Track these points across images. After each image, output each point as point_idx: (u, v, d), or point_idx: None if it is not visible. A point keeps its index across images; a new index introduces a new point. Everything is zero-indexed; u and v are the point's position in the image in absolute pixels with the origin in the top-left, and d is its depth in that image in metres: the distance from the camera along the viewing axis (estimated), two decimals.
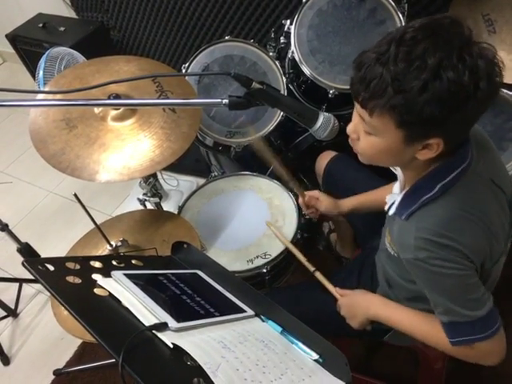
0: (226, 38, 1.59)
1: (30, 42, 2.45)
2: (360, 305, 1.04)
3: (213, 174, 1.80)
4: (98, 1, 2.51)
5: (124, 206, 2.24)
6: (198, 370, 0.60)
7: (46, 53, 1.66)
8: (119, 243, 1.13)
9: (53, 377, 1.63)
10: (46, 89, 1.39)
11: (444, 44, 0.64)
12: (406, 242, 0.80)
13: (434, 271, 0.78)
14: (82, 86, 0.93)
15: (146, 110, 1.26)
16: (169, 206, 2.06)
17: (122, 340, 0.60)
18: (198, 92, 1.53)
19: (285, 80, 1.57)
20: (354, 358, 1.50)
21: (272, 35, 1.72)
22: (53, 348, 1.73)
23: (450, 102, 0.66)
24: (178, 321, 0.69)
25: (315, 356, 0.74)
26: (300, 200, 1.35)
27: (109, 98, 1.18)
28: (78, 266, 0.80)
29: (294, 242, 1.35)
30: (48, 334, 1.78)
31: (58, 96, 1.10)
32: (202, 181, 2.18)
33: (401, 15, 1.48)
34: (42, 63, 1.63)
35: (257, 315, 0.84)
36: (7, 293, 1.85)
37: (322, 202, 1.30)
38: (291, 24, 1.52)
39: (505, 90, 1.35)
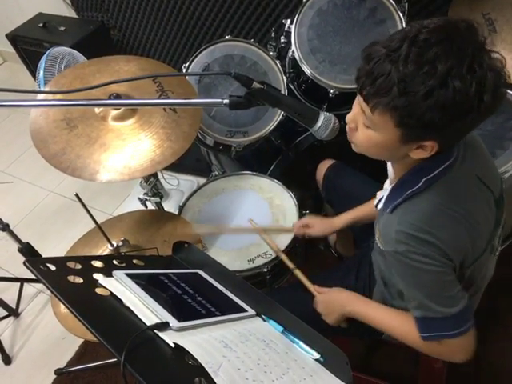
0: (227, 37, 1.59)
1: (31, 42, 2.45)
2: (336, 302, 1.07)
3: (213, 174, 1.80)
4: (99, 0, 2.51)
5: (125, 205, 2.25)
6: (200, 370, 0.60)
7: (47, 52, 1.66)
8: (120, 243, 1.13)
9: (54, 376, 1.63)
10: (47, 89, 1.39)
11: (457, 51, 0.64)
12: (388, 234, 0.81)
13: (411, 265, 0.79)
14: (83, 85, 0.93)
15: (146, 110, 1.26)
16: (169, 206, 2.06)
17: (124, 339, 0.60)
18: (198, 92, 1.53)
19: (285, 79, 1.57)
20: (355, 357, 1.50)
21: (272, 35, 1.72)
22: (54, 347, 1.73)
23: (452, 111, 0.66)
24: (180, 320, 0.70)
25: (316, 355, 0.74)
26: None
27: (109, 98, 1.18)
28: (79, 266, 0.80)
29: (295, 241, 1.35)
30: (49, 333, 1.78)
31: (59, 96, 1.10)
32: (202, 180, 2.18)
33: (401, 14, 1.48)
34: (42, 63, 1.63)
35: (258, 315, 0.84)
36: (8, 292, 1.86)
37: (312, 227, 1.33)
38: (291, 23, 1.52)
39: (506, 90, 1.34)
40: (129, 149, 1.18)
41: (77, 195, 0.95)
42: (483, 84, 0.64)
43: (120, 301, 0.73)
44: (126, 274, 0.79)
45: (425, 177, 0.79)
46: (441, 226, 0.77)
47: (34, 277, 0.70)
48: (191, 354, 0.63)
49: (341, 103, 1.53)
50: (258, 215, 1.43)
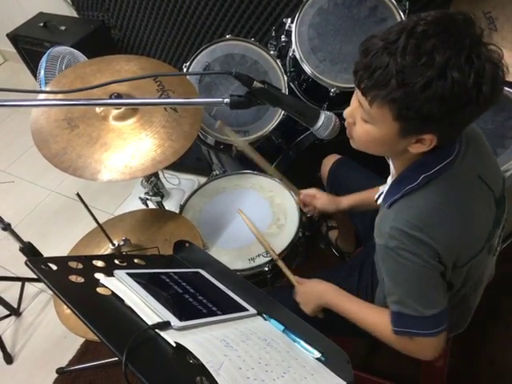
0: (227, 36, 1.59)
1: (31, 42, 2.45)
2: (314, 292, 1.09)
3: (214, 173, 1.81)
4: (99, 0, 2.51)
5: (126, 205, 2.25)
6: (201, 369, 0.60)
7: (47, 52, 1.66)
8: (121, 242, 1.13)
9: (56, 375, 1.64)
10: (48, 88, 1.39)
11: (454, 42, 0.64)
12: (383, 229, 0.81)
13: (398, 261, 0.79)
14: (84, 85, 0.93)
15: (147, 110, 1.26)
16: (170, 205, 2.06)
17: (125, 339, 0.61)
18: (199, 91, 1.53)
19: (286, 79, 1.56)
20: (356, 356, 1.51)
21: (273, 34, 1.72)
22: (55, 346, 1.74)
23: (450, 103, 0.65)
24: (181, 319, 0.70)
25: (317, 354, 0.74)
26: (297, 199, 1.37)
27: (110, 98, 1.18)
28: (80, 265, 0.80)
29: (296, 240, 1.35)
30: (51, 332, 1.78)
31: (60, 96, 1.10)
32: (203, 179, 2.18)
33: (402, 13, 1.48)
34: (43, 63, 1.63)
35: (259, 314, 0.84)
36: (10, 292, 1.86)
37: (319, 199, 1.33)
38: (292, 22, 1.52)
39: (506, 88, 1.34)
40: (130, 148, 1.18)
41: (78, 195, 0.95)
42: (482, 75, 0.64)
43: (121, 300, 0.73)
44: (128, 274, 0.79)
45: (424, 173, 0.78)
46: (436, 225, 0.77)
47: (36, 276, 0.70)
48: (192, 353, 0.63)
49: (341, 102, 1.53)
50: (258, 214, 1.43)
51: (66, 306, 0.85)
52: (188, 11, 2.26)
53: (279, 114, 1.56)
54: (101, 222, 1.04)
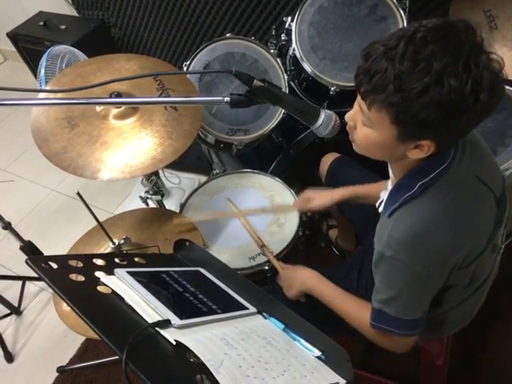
0: (227, 35, 1.59)
1: (31, 41, 2.45)
2: (298, 278, 1.12)
3: (214, 172, 1.81)
4: None
5: (126, 203, 2.25)
6: (201, 367, 0.61)
7: (48, 51, 1.66)
8: (122, 241, 1.13)
9: (56, 374, 1.64)
10: (48, 87, 1.39)
11: (453, 49, 0.64)
12: (381, 236, 0.83)
13: (392, 270, 0.82)
14: (84, 84, 0.93)
15: (147, 108, 1.26)
16: (171, 204, 2.06)
17: (126, 337, 0.61)
18: (199, 90, 1.53)
19: (286, 77, 1.56)
20: (356, 355, 1.51)
21: (273, 32, 1.72)
22: (56, 345, 1.74)
23: (447, 109, 0.66)
24: (181, 318, 0.70)
25: (317, 353, 0.74)
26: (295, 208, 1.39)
27: (110, 97, 1.18)
28: (80, 264, 0.80)
29: (296, 239, 1.35)
30: (51, 331, 1.78)
31: (60, 95, 1.10)
32: (203, 178, 2.18)
33: (402, 12, 1.48)
34: (43, 61, 1.63)
35: (259, 312, 0.84)
36: (11, 290, 1.87)
37: (313, 200, 1.33)
38: (292, 21, 1.52)
39: (506, 87, 1.34)
40: (130, 147, 1.19)
41: (78, 193, 0.95)
42: (479, 82, 0.64)
43: (122, 299, 0.73)
44: (128, 272, 0.79)
45: (420, 181, 0.79)
46: (434, 233, 0.78)
47: (36, 275, 0.70)
48: (193, 352, 0.63)
49: (341, 101, 1.53)
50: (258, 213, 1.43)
51: (66, 305, 0.85)
52: (188, 10, 2.26)
53: (279, 113, 1.56)
54: (101, 221, 1.04)
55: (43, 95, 1.24)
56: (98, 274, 0.79)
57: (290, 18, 1.54)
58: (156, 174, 1.50)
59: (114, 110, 1.23)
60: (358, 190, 1.26)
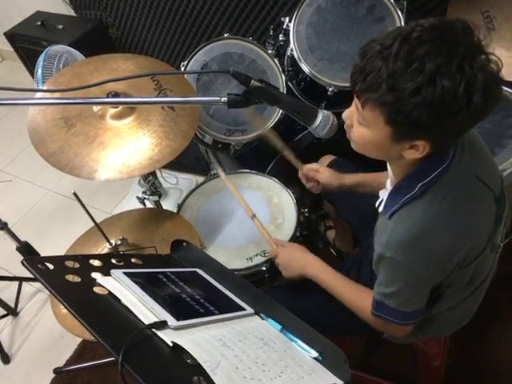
0: (225, 35, 1.58)
1: (29, 40, 2.44)
2: (298, 261, 1.11)
3: (212, 172, 1.80)
4: None
5: (123, 204, 2.24)
6: (198, 369, 0.60)
7: (45, 51, 1.65)
8: (119, 242, 1.13)
9: (53, 375, 1.63)
10: (45, 87, 1.38)
11: (448, 50, 0.64)
12: (381, 237, 0.83)
13: (392, 270, 0.84)
14: (81, 84, 0.93)
15: (144, 108, 1.26)
16: (168, 204, 2.06)
17: (122, 338, 0.60)
18: (196, 90, 1.52)
19: (284, 78, 1.56)
20: (354, 356, 1.50)
21: (271, 33, 1.72)
22: (53, 346, 1.73)
23: (439, 110, 0.65)
24: (178, 319, 0.69)
25: (314, 354, 0.74)
26: (299, 173, 1.35)
27: (107, 96, 1.18)
28: (77, 265, 0.80)
29: (294, 239, 1.35)
30: (48, 332, 1.78)
31: (57, 94, 1.10)
32: (201, 179, 2.18)
33: (400, 12, 1.48)
34: (40, 61, 1.62)
35: (256, 313, 0.84)
36: (7, 291, 1.86)
37: (322, 173, 1.30)
38: (290, 21, 1.52)
39: (504, 88, 1.34)
40: (127, 147, 1.18)
41: (75, 194, 0.95)
42: (472, 84, 0.64)
43: (118, 300, 0.73)
44: (125, 273, 0.79)
45: (420, 182, 0.79)
46: (433, 236, 0.78)
47: (33, 276, 0.70)
48: (189, 353, 0.62)
49: (339, 101, 1.53)
50: (256, 213, 1.42)
51: (62, 306, 0.84)
52: (186, 10, 2.26)
53: (277, 113, 1.56)
54: (98, 222, 1.04)
55: (40, 95, 1.23)
56: (95, 274, 0.79)
57: (287, 19, 1.54)
58: (153, 174, 1.50)
59: (111, 110, 1.23)
60: (368, 178, 1.25)
